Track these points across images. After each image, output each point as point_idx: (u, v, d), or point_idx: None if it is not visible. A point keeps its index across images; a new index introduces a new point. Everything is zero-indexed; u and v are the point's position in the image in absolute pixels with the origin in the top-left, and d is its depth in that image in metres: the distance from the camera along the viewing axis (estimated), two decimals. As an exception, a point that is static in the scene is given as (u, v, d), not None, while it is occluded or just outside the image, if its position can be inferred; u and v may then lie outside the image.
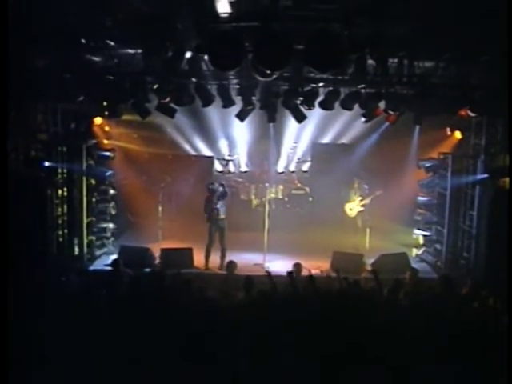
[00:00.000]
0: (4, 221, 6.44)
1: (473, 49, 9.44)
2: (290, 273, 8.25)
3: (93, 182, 13.27)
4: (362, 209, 13.71)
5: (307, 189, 15.87)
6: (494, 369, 5.04)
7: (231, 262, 10.13)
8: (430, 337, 5.47)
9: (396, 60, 10.05)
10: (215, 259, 12.07)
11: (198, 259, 12.16)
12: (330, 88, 10.73)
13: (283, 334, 5.48)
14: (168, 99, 10.95)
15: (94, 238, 13.00)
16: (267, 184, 15.90)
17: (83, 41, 9.69)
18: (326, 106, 11.02)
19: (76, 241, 12.40)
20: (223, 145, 16.42)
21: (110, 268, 10.46)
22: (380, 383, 4.95)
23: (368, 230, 12.37)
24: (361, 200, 13.71)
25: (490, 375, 5.05)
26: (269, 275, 8.06)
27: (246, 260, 11.95)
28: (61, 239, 12.12)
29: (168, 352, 5.20)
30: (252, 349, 5.25)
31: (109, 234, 13.43)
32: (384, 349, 5.18)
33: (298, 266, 9.98)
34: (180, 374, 5.00)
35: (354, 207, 13.79)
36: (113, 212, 13.76)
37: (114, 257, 11.78)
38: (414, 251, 13.68)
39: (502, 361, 4.90)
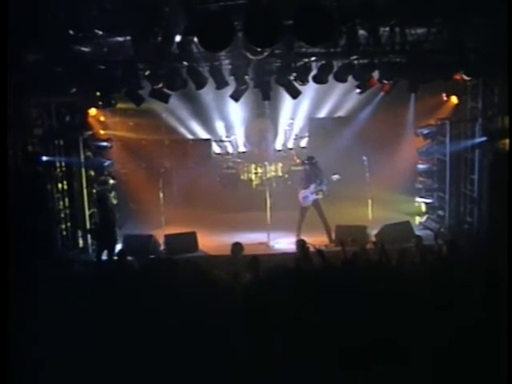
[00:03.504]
0: (6, 218, 6.44)
1: (463, 11, 9.37)
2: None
3: (92, 173, 13.26)
4: (319, 196, 12.24)
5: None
6: (497, 330, 5.07)
7: (237, 244, 10.09)
8: (437, 302, 5.49)
9: (387, 28, 9.98)
10: (221, 242, 12.09)
11: (203, 242, 12.20)
12: (323, 61, 10.67)
13: (294, 310, 5.50)
14: (161, 85, 10.91)
15: (97, 228, 13.01)
16: (266, 163, 15.90)
17: (71, 32, 9.63)
18: (319, 79, 10.97)
19: (80, 233, 12.42)
20: (220, 126, 16.36)
21: (116, 258, 10.48)
22: (390, 351, 4.97)
23: (370, 201, 12.35)
24: (316, 186, 12.21)
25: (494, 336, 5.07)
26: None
27: (251, 239, 11.96)
28: (65, 232, 12.17)
29: (178, 337, 5.22)
30: (262, 328, 5.27)
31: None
32: (395, 317, 5.20)
33: (301, 243, 9.95)
34: (191, 358, 5.03)
35: (308, 195, 12.28)
36: (114, 201, 13.79)
37: (119, 246, 11.82)
38: (418, 219, 13.71)
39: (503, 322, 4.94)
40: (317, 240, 11.72)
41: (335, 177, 12.13)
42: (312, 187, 12.21)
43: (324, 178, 12.22)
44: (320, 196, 12.25)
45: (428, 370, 4.76)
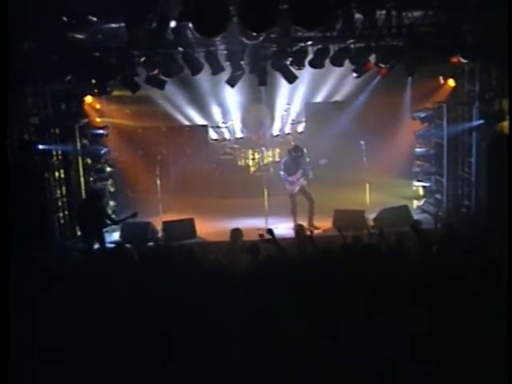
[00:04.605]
0: (3, 207, 6.43)
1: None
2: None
3: (89, 161, 13.26)
4: (303, 182, 12.32)
5: (304, 149, 15.81)
6: (497, 314, 5.08)
7: (236, 230, 10.08)
8: (436, 286, 5.50)
9: (384, 12, 9.92)
10: (219, 228, 12.08)
11: (200, 229, 12.20)
12: (319, 46, 10.61)
13: (294, 295, 5.50)
14: (156, 71, 10.84)
15: (95, 216, 12.97)
16: (263, 148, 15.89)
17: (65, 19, 9.56)
18: (316, 64, 10.91)
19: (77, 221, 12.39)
20: (216, 112, 16.28)
21: (114, 246, 10.46)
22: (391, 334, 4.99)
23: (367, 185, 12.34)
24: (302, 173, 12.28)
25: (494, 320, 5.09)
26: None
27: (248, 225, 11.96)
28: (62, 221, 12.15)
29: (177, 323, 5.23)
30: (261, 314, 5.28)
31: (109, 212, 13.41)
32: (396, 301, 5.21)
33: (299, 228, 9.96)
34: (190, 345, 5.04)
35: (295, 181, 12.31)
36: (111, 189, 13.78)
37: (117, 234, 11.83)
38: (415, 203, 13.73)
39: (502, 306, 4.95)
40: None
41: (323, 161, 12.16)
42: (299, 173, 12.22)
43: (308, 166, 12.29)
44: (305, 182, 12.28)
45: (429, 354, 4.78)
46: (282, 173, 12.38)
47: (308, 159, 12.59)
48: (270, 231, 8.23)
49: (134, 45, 10.17)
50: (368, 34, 10.15)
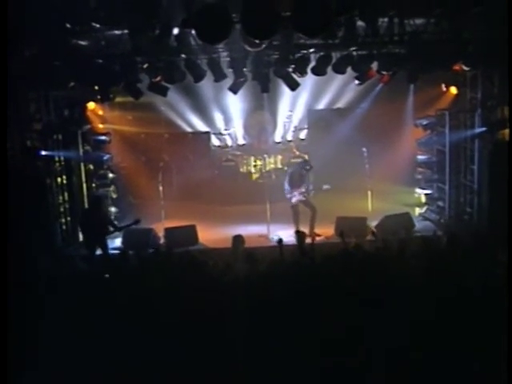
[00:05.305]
0: (5, 213, 6.44)
1: (462, 1, 9.33)
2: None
3: (91, 167, 13.29)
4: (303, 198, 12.15)
5: (306, 156, 15.83)
6: (498, 320, 5.07)
7: (238, 236, 10.06)
8: (438, 294, 5.49)
9: (386, 19, 9.95)
10: (221, 235, 12.07)
11: (202, 235, 12.19)
12: (322, 53, 10.63)
13: (294, 303, 5.50)
14: (159, 78, 10.87)
15: (97, 223, 12.97)
16: (266, 155, 15.92)
17: (68, 25, 9.60)
18: (318, 71, 10.94)
19: (79, 227, 12.39)
20: (218, 119, 16.33)
21: (116, 252, 10.46)
22: (391, 342, 4.99)
23: (369, 192, 12.34)
24: (305, 188, 12.19)
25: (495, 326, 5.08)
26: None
27: (251, 232, 11.94)
28: (64, 227, 12.16)
29: (177, 329, 5.22)
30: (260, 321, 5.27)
31: (111, 218, 13.40)
32: (397, 307, 5.21)
33: (300, 234, 9.92)
34: (190, 352, 5.04)
35: (295, 195, 12.12)
36: (114, 196, 13.78)
37: (119, 240, 11.83)
38: (417, 210, 13.71)
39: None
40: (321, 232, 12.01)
41: (326, 187, 12.15)
42: (302, 188, 12.13)
43: (311, 184, 12.25)
44: (304, 198, 12.18)
45: (430, 358, 4.77)
46: (286, 184, 12.32)
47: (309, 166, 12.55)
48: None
49: (137, 51, 10.20)
50: (370, 42, 10.17)
